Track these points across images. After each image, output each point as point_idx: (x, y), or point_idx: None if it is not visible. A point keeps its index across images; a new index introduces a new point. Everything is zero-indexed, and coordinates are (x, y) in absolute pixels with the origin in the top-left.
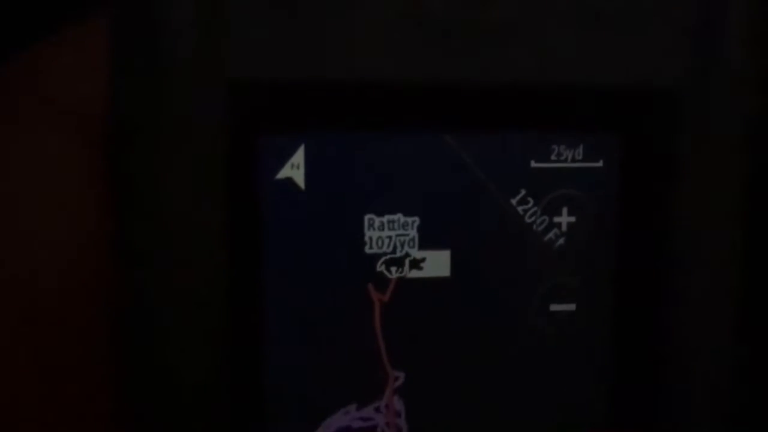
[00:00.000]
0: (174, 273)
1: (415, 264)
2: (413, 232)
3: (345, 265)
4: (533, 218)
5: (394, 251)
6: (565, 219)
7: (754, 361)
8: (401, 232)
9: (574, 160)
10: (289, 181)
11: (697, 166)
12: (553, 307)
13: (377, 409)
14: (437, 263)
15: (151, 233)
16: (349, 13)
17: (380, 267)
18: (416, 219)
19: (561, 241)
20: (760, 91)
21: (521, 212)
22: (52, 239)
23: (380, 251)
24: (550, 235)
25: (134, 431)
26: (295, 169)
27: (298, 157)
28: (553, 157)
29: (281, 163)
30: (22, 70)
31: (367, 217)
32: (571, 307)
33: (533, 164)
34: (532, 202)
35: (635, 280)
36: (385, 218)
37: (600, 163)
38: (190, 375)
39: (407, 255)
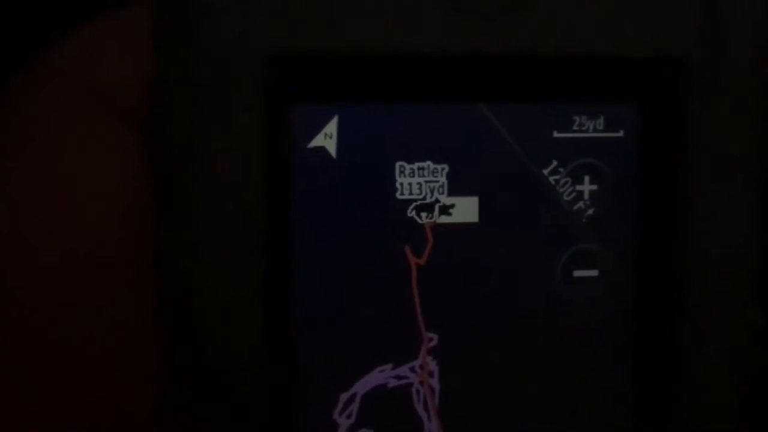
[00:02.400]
0: (212, 238)
1: (445, 210)
2: (443, 179)
3: (377, 221)
4: (564, 188)
5: (424, 197)
6: (587, 187)
7: None
8: (431, 178)
9: (595, 130)
10: (321, 150)
11: (715, 133)
12: (577, 273)
13: (412, 369)
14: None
15: (190, 200)
16: None
17: (411, 213)
18: (446, 167)
19: (588, 209)
20: None
21: (552, 182)
22: (88, 218)
23: (411, 197)
24: (579, 204)
25: (173, 389)
26: (327, 139)
27: (331, 126)
28: (575, 127)
29: (314, 133)
30: (63, 53)
31: (398, 165)
32: (594, 273)
33: (556, 134)
34: (562, 172)
35: (656, 247)
36: (416, 165)
37: (620, 133)
38: (227, 335)
39: (437, 201)
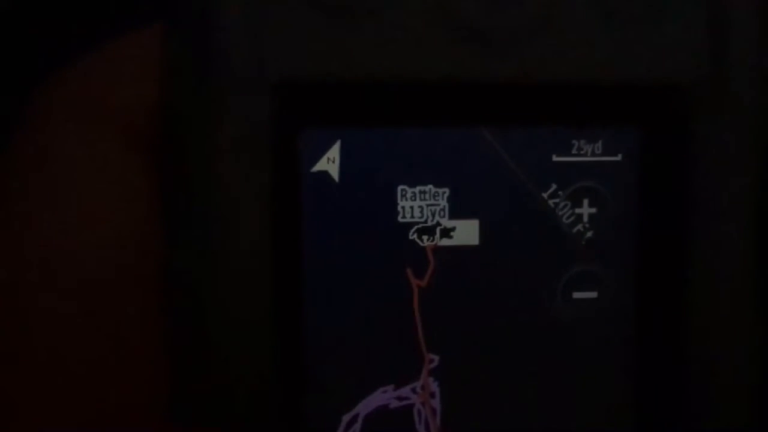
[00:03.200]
0: (221, 259)
1: (446, 233)
2: (444, 202)
3: (380, 244)
4: (563, 211)
5: (425, 221)
6: (586, 210)
7: None
8: (432, 202)
9: (593, 154)
10: (324, 174)
11: (714, 160)
12: (576, 295)
13: (413, 390)
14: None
15: (200, 222)
16: (386, 14)
17: (412, 236)
18: (446, 191)
19: (588, 232)
20: None
21: (552, 205)
22: (99, 235)
23: (413, 220)
24: (578, 227)
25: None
26: (330, 163)
27: (334, 151)
28: (573, 151)
29: (318, 157)
30: (75, 77)
31: (400, 188)
32: (593, 294)
33: (555, 158)
34: (561, 195)
35: (655, 269)
36: (417, 189)
37: (618, 157)
38: (233, 357)
39: (438, 224)
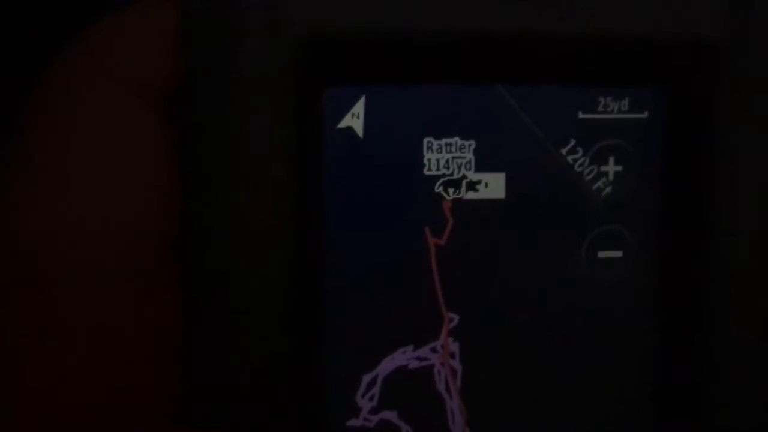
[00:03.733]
0: (245, 215)
1: (471, 186)
2: (470, 155)
3: (404, 198)
4: (582, 167)
5: (451, 173)
6: (612, 168)
7: None
8: (458, 154)
9: (619, 112)
10: (349, 131)
11: (739, 117)
12: (601, 254)
13: (433, 350)
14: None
15: (224, 181)
16: None
17: (438, 189)
18: (473, 143)
19: (608, 189)
20: None
21: (570, 161)
22: (118, 198)
23: (438, 173)
24: (598, 183)
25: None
26: (355, 119)
27: (359, 107)
28: (599, 109)
29: (342, 114)
30: (94, 42)
31: (426, 140)
32: (618, 254)
33: (581, 115)
34: (581, 151)
35: (680, 228)
36: (443, 141)
37: (645, 115)
38: (257, 314)
39: (464, 177)
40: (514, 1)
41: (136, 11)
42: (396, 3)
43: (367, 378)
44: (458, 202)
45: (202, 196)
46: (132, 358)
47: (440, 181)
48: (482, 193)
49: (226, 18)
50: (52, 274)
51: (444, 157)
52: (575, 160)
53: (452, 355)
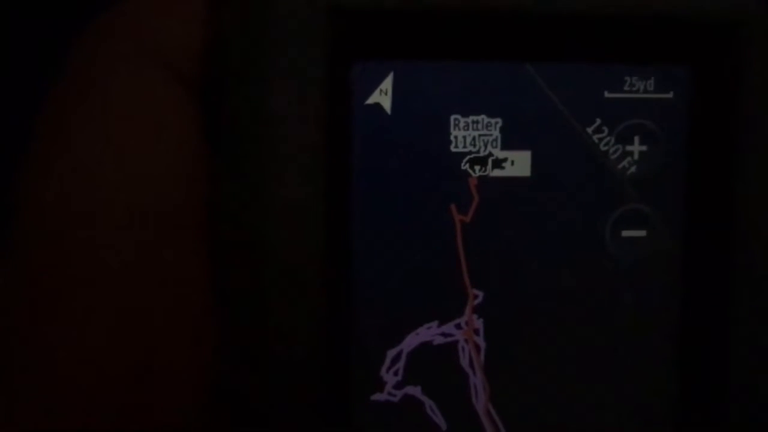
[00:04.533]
0: (272, 189)
1: (497, 163)
2: (496, 133)
3: (431, 175)
4: (607, 147)
5: (478, 151)
6: (637, 148)
7: None
8: (485, 132)
9: (645, 91)
10: (377, 107)
11: (766, 97)
12: (625, 233)
13: (457, 326)
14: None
15: (253, 153)
16: None
17: (464, 166)
18: (499, 121)
19: (633, 168)
20: None
21: (596, 140)
22: (145, 174)
23: (465, 150)
24: (624, 163)
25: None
26: (383, 95)
27: (387, 83)
28: (625, 88)
29: (371, 89)
30: (120, 15)
31: (452, 118)
32: (642, 233)
33: (606, 94)
34: (606, 131)
35: (705, 209)
36: (470, 119)
37: (670, 95)
38: (286, 291)
39: (490, 154)
40: None
41: None
42: None
43: (391, 353)
44: (484, 180)
45: (229, 169)
46: (163, 338)
47: (467, 158)
48: (508, 171)
49: None
50: (80, 251)
51: (471, 134)
52: (600, 139)
53: (476, 332)
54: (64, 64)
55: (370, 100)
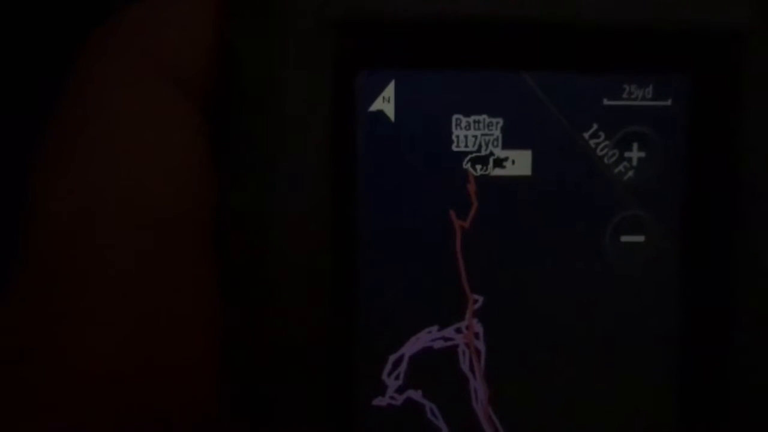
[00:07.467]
0: (278, 198)
1: (498, 163)
2: (497, 132)
3: (433, 176)
4: (604, 152)
5: (479, 150)
6: (635, 154)
7: None
8: (486, 131)
9: (644, 99)
10: (381, 114)
11: (764, 105)
12: (624, 239)
13: (458, 330)
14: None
15: (260, 158)
16: None
17: (466, 165)
18: (500, 120)
19: (631, 175)
20: None
21: (593, 146)
22: (151, 183)
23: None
24: (620, 168)
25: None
26: (386, 103)
27: (389, 91)
28: (624, 95)
29: (374, 97)
30: (126, 25)
31: (454, 117)
32: (641, 239)
33: (605, 102)
34: (603, 136)
35: (703, 216)
36: (472, 118)
37: (668, 102)
38: (293, 292)
39: (491, 153)
40: None
41: None
42: None
43: (393, 357)
44: (485, 180)
45: (237, 177)
46: (172, 341)
47: (468, 157)
48: (509, 170)
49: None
50: (88, 257)
51: (472, 134)
52: (597, 145)
53: (476, 336)
54: (69, 73)
55: (374, 108)
